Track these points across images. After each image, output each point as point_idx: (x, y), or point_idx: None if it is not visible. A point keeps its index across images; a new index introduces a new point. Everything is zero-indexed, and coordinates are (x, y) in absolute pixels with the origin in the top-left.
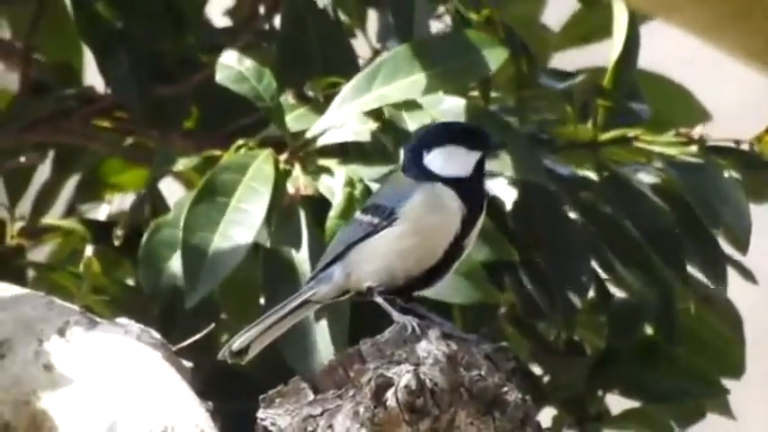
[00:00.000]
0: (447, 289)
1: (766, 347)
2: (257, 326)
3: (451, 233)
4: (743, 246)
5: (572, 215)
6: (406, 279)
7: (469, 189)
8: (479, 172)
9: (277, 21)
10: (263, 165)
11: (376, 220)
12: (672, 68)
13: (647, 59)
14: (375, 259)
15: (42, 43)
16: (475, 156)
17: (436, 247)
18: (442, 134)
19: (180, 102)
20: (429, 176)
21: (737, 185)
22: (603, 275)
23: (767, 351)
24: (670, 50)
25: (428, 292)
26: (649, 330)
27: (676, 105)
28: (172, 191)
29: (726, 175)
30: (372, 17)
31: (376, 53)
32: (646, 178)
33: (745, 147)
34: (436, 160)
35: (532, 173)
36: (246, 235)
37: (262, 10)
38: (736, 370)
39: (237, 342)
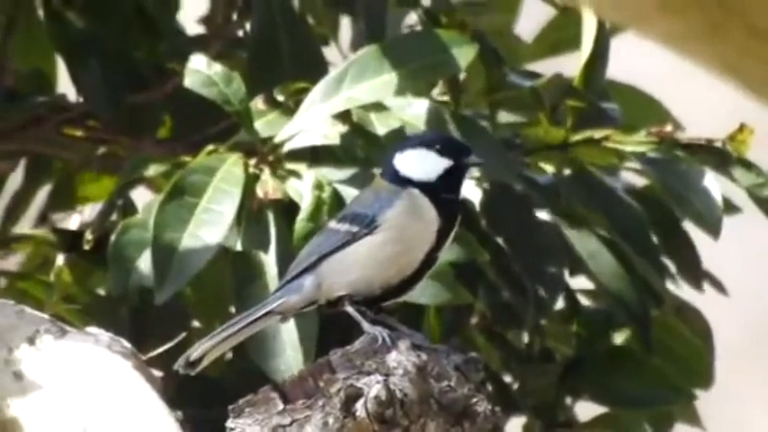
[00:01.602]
0: (416, 291)
1: (735, 359)
2: (216, 336)
3: (429, 242)
4: (715, 230)
5: (544, 217)
6: (382, 289)
7: (442, 200)
8: (452, 182)
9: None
10: (232, 167)
11: (355, 229)
12: (642, 81)
13: (618, 72)
14: (353, 270)
15: (15, 50)
16: (444, 162)
17: (415, 257)
18: (417, 138)
19: (152, 110)
20: (397, 178)
21: (706, 172)
22: (574, 286)
23: (737, 362)
24: (640, 63)
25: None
26: (618, 339)
27: (646, 113)
28: (143, 199)
29: (692, 166)
30: (345, 26)
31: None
32: (618, 182)
33: (717, 145)
34: (405, 162)
35: (502, 172)
36: (216, 234)
37: (235, 17)
38: (706, 381)
39: (196, 353)
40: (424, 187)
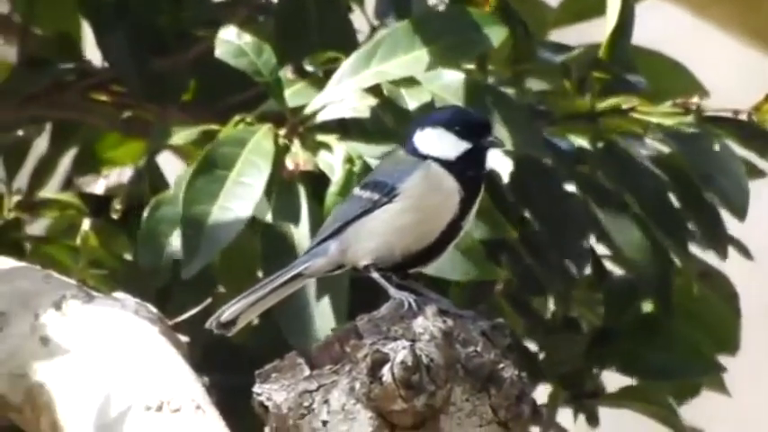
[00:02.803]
0: (445, 265)
1: (759, 323)
2: (247, 297)
3: (450, 213)
4: (741, 213)
5: (570, 188)
6: (403, 256)
7: (462, 173)
8: (471, 162)
9: None
10: (262, 139)
11: (376, 197)
12: (667, 45)
13: (643, 38)
14: (374, 236)
15: (41, 16)
16: (463, 145)
17: (435, 226)
18: (439, 117)
19: (177, 76)
20: (417, 154)
21: (733, 152)
22: (601, 252)
23: (761, 326)
24: (665, 27)
25: (427, 269)
26: (647, 308)
27: (672, 80)
28: (170, 165)
29: (721, 143)
30: None
31: (374, 29)
32: (644, 151)
33: (743, 117)
34: (425, 140)
35: (531, 146)
36: (246, 207)
37: None
38: (732, 345)
39: (227, 313)
40: (450, 165)
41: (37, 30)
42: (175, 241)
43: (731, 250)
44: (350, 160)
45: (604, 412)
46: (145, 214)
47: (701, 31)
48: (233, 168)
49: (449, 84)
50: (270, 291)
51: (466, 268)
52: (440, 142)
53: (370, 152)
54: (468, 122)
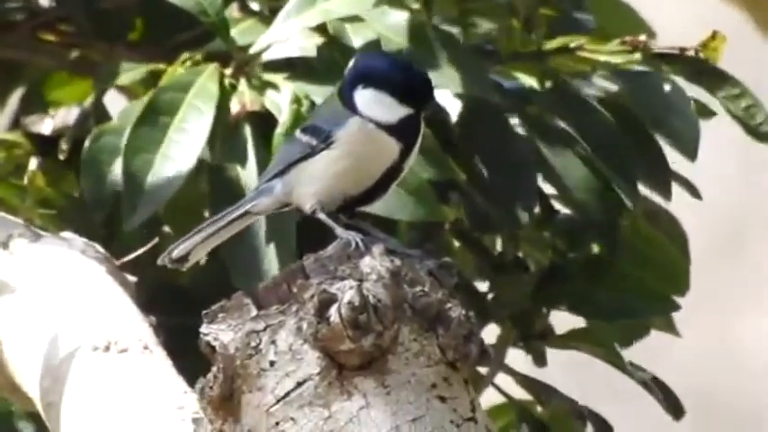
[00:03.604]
0: (393, 206)
1: (707, 265)
2: (196, 234)
3: (387, 162)
4: (692, 153)
5: (518, 129)
6: (344, 199)
7: (401, 134)
8: (414, 125)
9: None
10: (207, 82)
11: (314, 142)
12: None
13: None
14: (314, 181)
15: None
16: (404, 110)
17: (372, 172)
18: (380, 77)
19: (125, 14)
20: (355, 112)
21: (683, 92)
22: (549, 192)
23: (708, 269)
24: None
25: (374, 209)
26: (597, 249)
27: (620, 20)
28: (116, 104)
29: (670, 83)
30: None
31: None
32: (591, 90)
33: (690, 54)
34: (364, 99)
35: (478, 87)
36: (188, 156)
37: None
38: (682, 287)
39: (177, 250)
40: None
41: None
42: (117, 171)
43: (678, 189)
44: (297, 100)
45: (554, 354)
46: (86, 143)
47: None
48: (176, 115)
49: (394, 23)
50: (218, 228)
51: (414, 208)
52: (380, 105)
53: (317, 92)
54: (411, 86)
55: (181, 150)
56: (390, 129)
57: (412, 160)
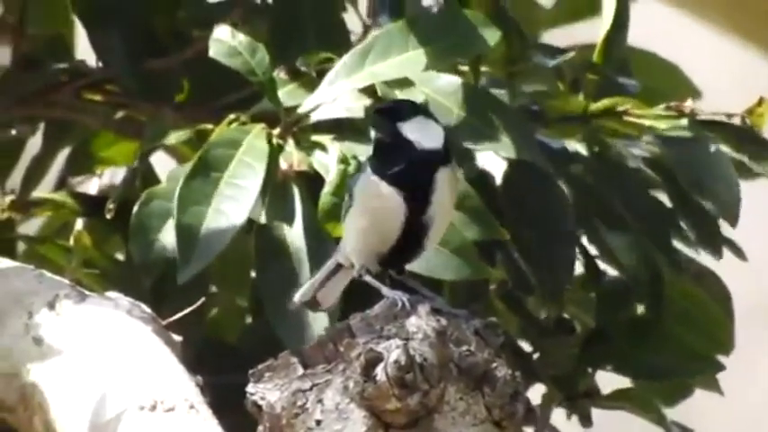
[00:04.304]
0: (437, 266)
1: (752, 324)
2: (312, 279)
3: (398, 214)
4: (732, 219)
5: (562, 189)
6: (377, 256)
7: (402, 175)
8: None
9: None
10: (256, 140)
11: (348, 199)
12: (660, 46)
13: (636, 37)
14: (348, 239)
15: (34, 16)
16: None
17: (387, 228)
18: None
19: (172, 75)
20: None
21: (727, 158)
22: (594, 252)
23: (753, 328)
24: (658, 27)
25: (419, 269)
26: (641, 308)
27: (666, 81)
28: (163, 165)
29: (714, 148)
30: None
31: (367, 28)
32: (637, 152)
33: (736, 121)
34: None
35: (527, 151)
36: (241, 210)
37: None
38: (725, 347)
39: (296, 296)
40: (391, 173)
41: (30, 30)
42: (167, 236)
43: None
44: (344, 160)
45: (598, 413)
46: (135, 208)
47: (694, 32)
48: (227, 170)
49: (443, 86)
50: (322, 279)
51: (458, 267)
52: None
53: (365, 152)
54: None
55: (233, 205)
56: (391, 178)
57: (437, 213)
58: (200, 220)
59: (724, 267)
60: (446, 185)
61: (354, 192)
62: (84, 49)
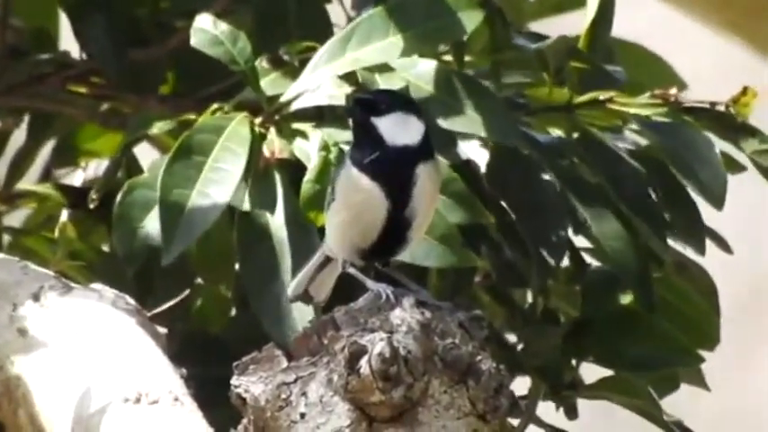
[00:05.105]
0: (422, 253)
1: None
2: (301, 273)
3: (379, 207)
4: (719, 202)
5: (548, 179)
6: (359, 251)
7: (381, 169)
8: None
9: None
10: (238, 127)
11: (330, 192)
12: (645, 37)
13: (622, 29)
14: (330, 231)
15: (18, 7)
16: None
17: (368, 222)
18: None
19: (155, 67)
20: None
21: (710, 141)
22: (579, 244)
23: (739, 321)
24: (644, 19)
25: (403, 257)
26: (624, 300)
27: (651, 72)
28: (147, 156)
29: (698, 135)
30: None
31: (351, 20)
32: (622, 143)
33: (721, 109)
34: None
35: (505, 135)
36: (224, 193)
37: None
38: (711, 341)
39: (290, 288)
40: (369, 165)
41: (14, 22)
42: (150, 225)
43: (707, 243)
44: (326, 147)
45: (584, 405)
46: (118, 198)
47: (679, 23)
48: (210, 154)
49: (423, 72)
50: (313, 271)
51: (443, 255)
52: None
53: (346, 139)
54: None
55: (216, 187)
56: (372, 173)
57: (421, 204)
58: (184, 201)
59: (713, 261)
60: (427, 180)
61: (336, 186)
62: (68, 41)
